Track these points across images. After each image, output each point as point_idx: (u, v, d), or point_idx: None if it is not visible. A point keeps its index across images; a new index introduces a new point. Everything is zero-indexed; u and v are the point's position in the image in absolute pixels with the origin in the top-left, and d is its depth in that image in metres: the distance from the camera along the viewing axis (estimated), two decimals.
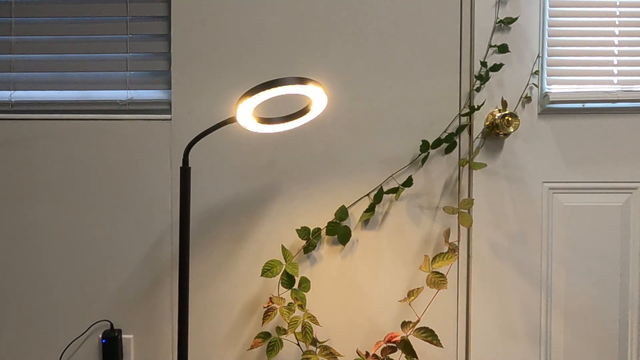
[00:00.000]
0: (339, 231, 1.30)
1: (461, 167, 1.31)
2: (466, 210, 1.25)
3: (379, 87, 1.32)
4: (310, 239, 1.31)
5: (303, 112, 1.11)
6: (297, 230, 1.29)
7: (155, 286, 1.35)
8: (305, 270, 1.33)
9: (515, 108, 1.30)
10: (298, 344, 1.26)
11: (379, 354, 1.21)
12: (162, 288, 1.35)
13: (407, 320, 1.20)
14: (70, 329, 1.36)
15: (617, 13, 1.30)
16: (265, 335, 1.23)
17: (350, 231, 1.31)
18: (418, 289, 1.21)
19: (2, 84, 1.38)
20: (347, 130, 1.32)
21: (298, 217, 1.33)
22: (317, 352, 1.22)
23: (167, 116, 1.34)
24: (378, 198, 1.30)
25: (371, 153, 1.32)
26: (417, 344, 1.17)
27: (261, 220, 1.34)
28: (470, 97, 1.31)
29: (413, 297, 1.19)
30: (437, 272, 1.20)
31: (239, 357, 1.35)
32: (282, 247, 1.26)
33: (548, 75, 1.31)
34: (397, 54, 1.31)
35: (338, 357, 1.22)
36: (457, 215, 1.27)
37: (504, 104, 1.27)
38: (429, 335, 1.16)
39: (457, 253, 1.25)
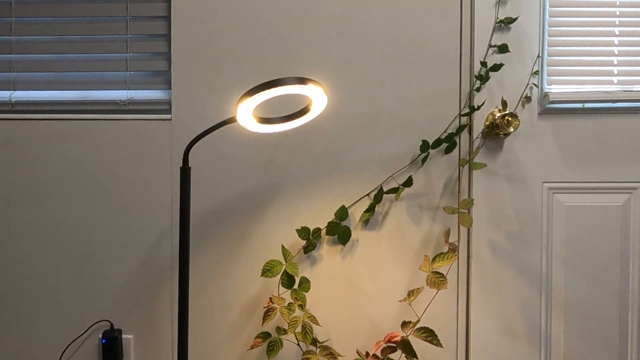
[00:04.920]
0: (339, 231, 1.30)
1: (461, 167, 1.31)
2: (466, 210, 1.25)
3: (379, 87, 1.32)
4: (310, 239, 1.31)
5: (303, 112, 1.11)
6: (297, 230, 1.29)
7: (155, 286, 1.36)
8: (305, 270, 1.33)
9: (515, 108, 1.30)
10: (298, 344, 1.26)
11: (379, 354, 1.21)
12: (162, 288, 1.36)
13: (407, 320, 1.20)
14: (70, 329, 1.36)
15: (617, 13, 1.30)
16: (265, 335, 1.23)
17: (350, 231, 1.31)
18: (418, 289, 1.21)
19: (2, 84, 1.38)
20: (347, 130, 1.32)
21: (298, 217, 1.33)
22: (317, 352, 1.22)
23: (167, 116, 1.34)
24: (378, 198, 1.30)
25: (371, 153, 1.32)
26: (417, 344, 1.17)
27: (261, 220, 1.34)
28: (470, 97, 1.31)
29: (413, 297, 1.19)
30: (437, 272, 1.20)
31: (239, 357, 1.35)
32: (282, 247, 1.26)
33: (548, 75, 1.31)
34: (397, 54, 1.31)
35: (338, 357, 1.22)
36: (457, 215, 1.27)
37: (504, 104, 1.27)
38: (429, 335, 1.16)
39: (457, 253, 1.25)
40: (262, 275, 1.23)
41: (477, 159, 1.30)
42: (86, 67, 1.38)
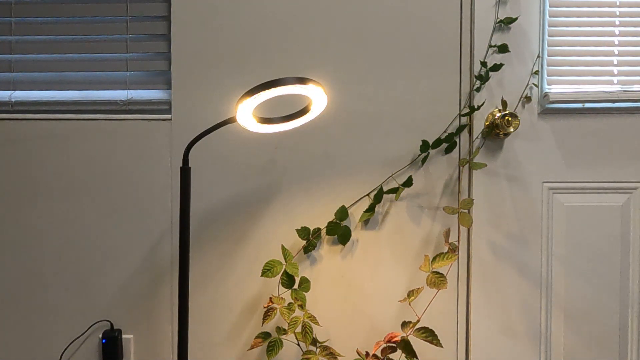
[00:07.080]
0: (339, 231, 1.30)
1: (461, 167, 1.31)
2: (466, 210, 1.25)
3: (379, 87, 1.32)
4: (310, 239, 1.31)
5: (303, 112, 1.11)
6: (297, 230, 1.29)
7: (155, 286, 1.35)
8: (305, 270, 1.33)
9: (515, 108, 1.30)
10: (298, 344, 1.26)
11: (379, 354, 1.21)
12: (162, 288, 1.35)
13: (407, 320, 1.20)
14: (70, 329, 1.36)
15: (617, 13, 1.30)
16: (265, 335, 1.23)
17: (350, 231, 1.31)
18: (418, 289, 1.21)
19: (2, 84, 1.38)
20: (347, 130, 1.32)
21: (298, 217, 1.33)
22: (317, 352, 1.22)
23: (167, 116, 1.34)
24: (378, 198, 1.30)
25: (371, 153, 1.32)
26: (417, 344, 1.17)
27: (261, 220, 1.34)
28: (470, 97, 1.31)
29: (413, 297, 1.19)
30: (437, 272, 1.20)
31: (239, 357, 1.35)
32: (282, 247, 1.26)
33: (548, 75, 1.31)
34: (397, 54, 1.31)
35: (338, 357, 1.22)
36: (457, 215, 1.27)
37: (504, 104, 1.27)
38: (429, 335, 1.16)
39: (457, 253, 1.25)
40: (262, 275, 1.23)
41: (477, 159, 1.30)
42: (86, 67, 1.38)
